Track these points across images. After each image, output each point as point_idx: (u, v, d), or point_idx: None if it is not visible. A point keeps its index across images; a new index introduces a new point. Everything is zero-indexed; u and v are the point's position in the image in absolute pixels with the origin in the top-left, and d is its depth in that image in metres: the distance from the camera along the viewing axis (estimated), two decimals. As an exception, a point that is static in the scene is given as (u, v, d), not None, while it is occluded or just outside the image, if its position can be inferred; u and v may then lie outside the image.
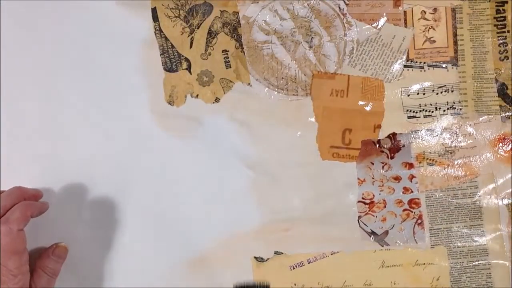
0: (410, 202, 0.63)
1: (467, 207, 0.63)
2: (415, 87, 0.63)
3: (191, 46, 0.62)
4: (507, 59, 0.62)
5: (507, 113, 0.63)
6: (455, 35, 0.62)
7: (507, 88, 0.62)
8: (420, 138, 0.63)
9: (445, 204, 0.63)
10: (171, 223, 0.62)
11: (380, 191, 0.63)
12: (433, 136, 0.63)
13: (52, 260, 0.57)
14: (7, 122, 0.61)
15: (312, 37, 0.62)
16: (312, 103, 0.63)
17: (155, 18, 0.62)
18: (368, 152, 0.63)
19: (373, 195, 0.63)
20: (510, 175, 0.63)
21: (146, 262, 0.61)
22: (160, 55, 0.62)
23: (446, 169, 0.63)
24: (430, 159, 0.63)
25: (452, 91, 0.63)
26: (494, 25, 0.62)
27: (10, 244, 0.51)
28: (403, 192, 0.63)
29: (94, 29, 0.62)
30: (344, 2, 0.62)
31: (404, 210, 0.63)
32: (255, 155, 0.62)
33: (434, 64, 0.62)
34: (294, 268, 0.62)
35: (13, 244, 0.52)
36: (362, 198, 0.63)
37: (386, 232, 0.63)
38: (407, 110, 0.63)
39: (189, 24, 0.62)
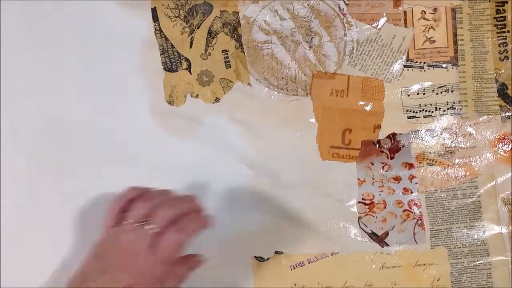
0: (410, 202, 0.63)
1: (467, 207, 0.63)
2: (415, 87, 0.63)
3: (191, 46, 0.62)
4: (507, 59, 0.62)
5: (507, 113, 0.63)
6: (455, 35, 0.62)
7: (507, 88, 0.62)
8: (420, 138, 0.63)
9: (445, 204, 0.63)
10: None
11: (380, 191, 0.63)
12: (433, 136, 0.63)
13: (186, 268, 0.53)
14: (7, 122, 0.61)
15: (312, 37, 0.62)
16: (312, 103, 0.63)
17: (155, 18, 0.62)
18: (368, 152, 0.63)
19: (373, 196, 0.63)
20: (510, 175, 0.63)
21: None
22: (160, 55, 0.62)
23: (446, 169, 0.63)
24: (430, 159, 0.63)
25: (452, 91, 0.63)
26: (494, 25, 0.62)
27: (173, 253, 0.49)
28: (403, 193, 0.63)
29: (94, 29, 0.62)
30: (344, 2, 0.62)
31: (404, 210, 0.63)
32: (255, 155, 0.62)
33: (434, 64, 0.62)
34: (294, 268, 0.62)
35: (174, 254, 0.50)
36: (362, 198, 0.63)
37: (386, 233, 0.63)
38: (407, 110, 0.63)
39: (189, 24, 0.62)
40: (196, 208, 0.52)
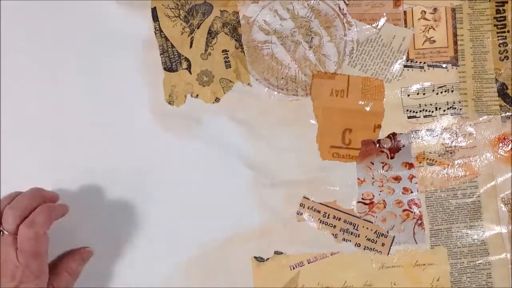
0: (410, 202, 0.63)
1: (467, 207, 0.63)
2: (415, 87, 0.63)
3: (191, 46, 0.62)
4: (507, 59, 0.62)
5: (507, 113, 0.63)
6: (455, 35, 0.62)
7: (507, 88, 0.62)
8: (420, 138, 0.63)
9: (445, 204, 0.63)
10: (170, 223, 0.62)
11: (380, 191, 0.63)
12: (433, 136, 0.63)
13: (75, 262, 0.58)
14: (7, 122, 0.61)
15: (312, 37, 0.62)
16: (312, 103, 0.63)
17: (155, 18, 0.62)
18: (368, 152, 0.63)
19: (373, 196, 0.63)
20: (510, 175, 0.63)
21: (146, 262, 0.61)
22: (160, 55, 0.62)
23: (446, 169, 0.63)
24: (430, 159, 0.63)
25: (452, 91, 0.63)
26: (494, 25, 0.62)
27: (35, 246, 0.52)
28: (403, 193, 0.63)
29: (94, 29, 0.62)
30: (344, 2, 0.62)
31: (404, 210, 0.63)
32: (255, 155, 0.62)
33: (434, 64, 0.62)
34: (294, 268, 0.62)
35: (38, 247, 0.52)
36: (362, 198, 0.63)
37: (386, 233, 0.63)
38: (407, 110, 0.63)
39: (189, 24, 0.62)
40: (42, 200, 0.55)
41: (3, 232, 0.52)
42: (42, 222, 0.52)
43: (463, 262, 0.63)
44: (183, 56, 0.62)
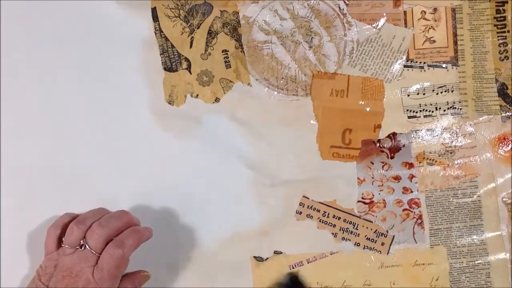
0: (410, 202, 0.63)
1: (467, 207, 0.63)
2: (415, 87, 0.63)
3: (191, 46, 0.62)
4: (507, 59, 0.62)
5: (507, 113, 0.63)
6: (455, 35, 0.62)
7: (507, 88, 0.62)
8: (420, 138, 0.63)
9: (445, 204, 0.63)
10: (170, 223, 0.62)
11: (380, 191, 0.63)
12: (433, 136, 0.63)
13: (133, 286, 0.57)
14: (7, 122, 0.61)
15: (312, 37, 0.62)
16: (312, 103, 0.63)
17: (155, 18, 0.62)
18: (368, 152, 0.63)
19: (373, 195, 0.63)
20: (510, 175, 0.63)
21: (146, 262, 0.61)
22: (160, 55, 0.62)
23: (446, 169, 0.63)
24: (430, 159, 0.63)
25: (452, 91, 0.63)
26: (494, 25, 0.62)
27: (117, 267, 0.52)
28: (403, 192, 0.63)
29: (94, 29, 0.62)
30: (344, 2, 0.62)
31: (404, 210, 0.63)
32: (255, 155, 0.62)
33: (434, 64, 0.62)
34: (293, 268, 0.63)
35: (118, 268, 0.52)
36: (362, 198, 0.63)
37: (386, 232, 0.63)
38: (407, 110, 0.63)
39: (189, 24, 0.62)
40: (129, 223, 0.55)
41: (84, 247, 0.52)
42: (130, 244, 0.53)
43: (462, 262, 0.63)
44: (183, 56, 0.62)
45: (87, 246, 0.52)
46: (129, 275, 0.57)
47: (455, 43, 0.62)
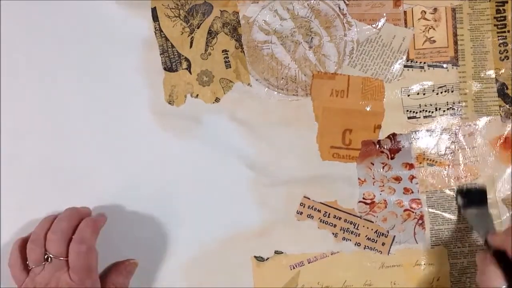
0: (411, 202, 0.63)
1: (467, 207, 0.63)
2: (415, 87, 0.63)
3: (191, 46, 0.62)
4: (507, 59, 0.62)
5: (507, 113, 0.63)
6: (455, 35, 0.62)
7: (507, 88, 0.62)
8: (420, 138, 0.63)
9: (445, 204, 0.63)
10: (170, 223, 0.62)
11: (381, 191, 0.63)
12: (433, 137, 0.63)
13: (122, 276, 0.58)
14: (7, 122, 0.61)
15: (312, 37, 0.62)
16: (312, 103, 0.63)
17: (155, 18, 0.62)
18: (368, 153, 0.63)
19: (374, 195, 0.63)
20: (510, 175, 0.63)
21: (146, 262, 0.61)
22: (160, 55, 0.62)
23: (446, 170, 0.63)
24: (430, 160, 0.63)
25: (452, 91, 0.63)
26: (494, 25, 0.62)
27: (88, 260, 0.53)
28: (403, 193, 0.63)
29: (94, 29, 0.62)
30: (344, 2, 0.62)
31: (405, 210, 0.63)
32: (255, 155, 0.62)
33: (434, 64, 0.62)
34: (294, 268, 0.62)
35: (90, 261, 0.53)
36: (363, 198, 0.63)
37: (387, 232, 0.63)
38: (407, 111, 0.63)
39: (189, 24, 0.62)
40: (81, 216, 0.56)
41: (50, 258, 0.53)
42: (90, 235, 0.54)
43: (463, 262, 0.63)
44: (183, 56, 0.62)
45: (51, 256, 0.52)
46: (116, 266, 0.58)
47: (455, 43, 0.62)
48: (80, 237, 0.53)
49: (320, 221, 0.62)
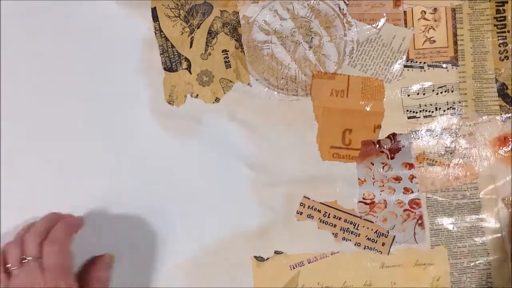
0: (411, 202, 0.63)
1: (467, 207, 0.63)
2: (415, 87, 0.63)
3: (191, 46, 0.62)
4: (507, 59, 0.62)
5: (507, 113, 0.63)
6: (455, 35, 0.62)
7: (507, 88, 0.62)
8: (420, 138, 0.63)
9: (445, 204, 0.63)
10: (170, 223, 0.62)
11: (381, 191, 0.63)
12: (433, 137, 0.63)
13: (102, 270, 0.59)
14: (7, 122, 0.61)
15: (312, 37, 0.62)
16: (312, 103, 0.63)
17: (155, 18, 0.62)
18: (368, 153, 0.63)
19: (374, 195, 0.63)
20: (510, 176, 0.63)
21: (146, 262, 0.61)
22: (160, 55, 0.62)
23: (446, 170, 0.63)
24: (430, 160, 0.63)
25: (452, 91, 0.63)
26: (494, 25, 0.62)
27: (61, 260, 0.53)
28: (403, 193, 0.63)
29: (94, 29, 0.62)
30: (344, 2, 0.62)
31: (404, 210, 0.63)
32: (255, 155, 0.62)
33: (434, 64, 0.62)
34: (294, 268, 0.62)
35: (64, 261, 0.53)
36: (363, 198, 0.63)
37: (387, 232, 0.63)
38: (407, 110, 0.63)
39: (189, 24, 0.62)
40: (57, 219, 0.57)
41: (26, 260, 0.53)
42: (62, 236, 0.55)
43: (463, 262, 0.63)
44: (183, 56, 0.62)
45: (27, 258, 0.53)
46: (94, 263, 0.59)
47: (455, 43, 0.62)
48: (53, 237, 0.54)
49: (320, 221, 0.63)
